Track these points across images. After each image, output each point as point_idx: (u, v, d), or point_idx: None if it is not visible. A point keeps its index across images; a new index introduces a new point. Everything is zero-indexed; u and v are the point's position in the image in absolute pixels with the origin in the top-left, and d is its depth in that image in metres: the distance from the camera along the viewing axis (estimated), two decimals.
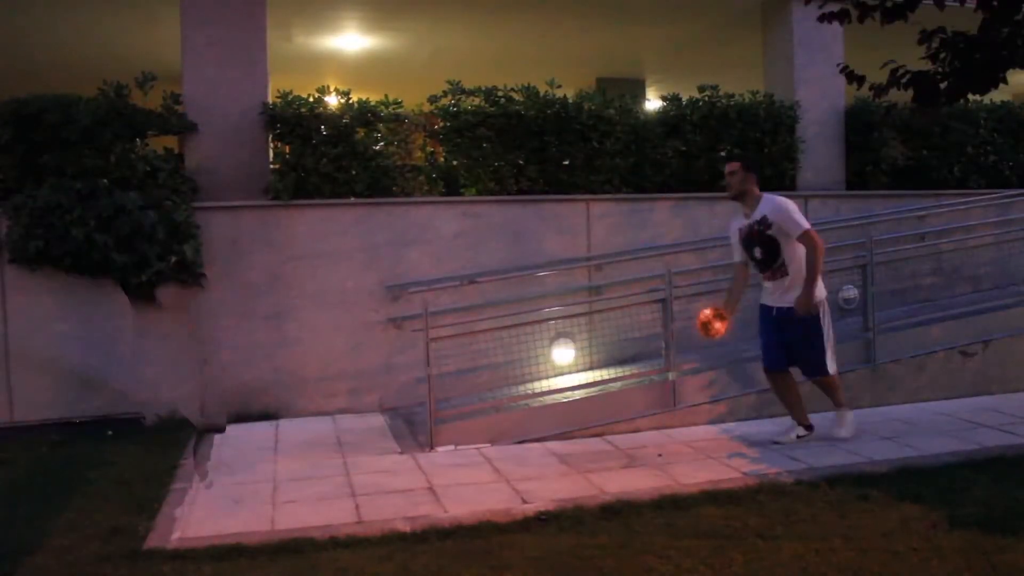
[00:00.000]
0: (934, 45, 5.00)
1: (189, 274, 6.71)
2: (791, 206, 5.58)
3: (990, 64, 4.91)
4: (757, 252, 5.66)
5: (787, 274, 5.58)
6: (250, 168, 7.29)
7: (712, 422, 6.46)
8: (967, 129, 9.05)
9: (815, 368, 5.72)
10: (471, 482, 5.14)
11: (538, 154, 7.70)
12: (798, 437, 5.80)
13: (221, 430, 6.62)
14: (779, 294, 5.65)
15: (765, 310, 5.79)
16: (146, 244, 6.44)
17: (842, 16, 5.14)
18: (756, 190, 5.70)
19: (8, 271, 6.58)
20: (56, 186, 6.46)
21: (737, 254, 5.86)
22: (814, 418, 5.90)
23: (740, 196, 5.71)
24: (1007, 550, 3.81)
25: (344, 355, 7.17)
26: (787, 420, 5.98)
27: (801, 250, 5.52)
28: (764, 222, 5.56)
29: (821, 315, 5.62)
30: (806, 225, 5.52)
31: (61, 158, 6.56)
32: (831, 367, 5.72)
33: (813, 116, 8.82)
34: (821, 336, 5.62)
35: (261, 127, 7.29)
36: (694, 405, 6.62)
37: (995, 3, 4.86)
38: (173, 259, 6.57)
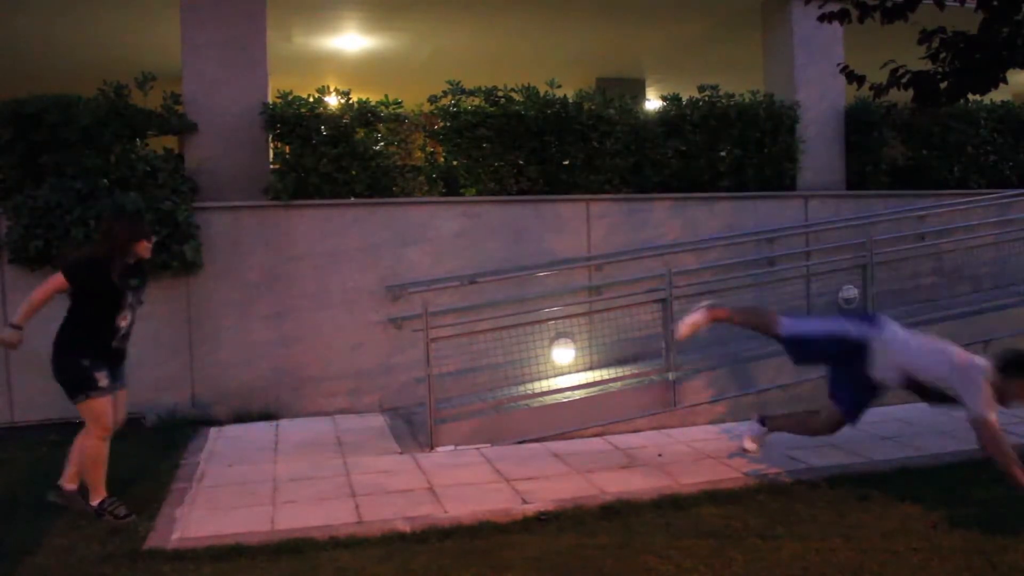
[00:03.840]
0: (934, 45, 5.01)
1: (187, 272, 6.74)
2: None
3: (990, 64, 4.92)
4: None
5: None
6: (250, 168, 7.29)
7: (712, 422, 6.46)
8: (967, 129, 9.05)
9: None
10: (471, 482, 5.14)
11: (538, 154, 7.70)
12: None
13: (218, 423, 6.68)
14: None
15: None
16: None
17: (842, 16, 5.16)
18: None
19: (8, 271, 6.59)
20: (56, 186, 6.47)
21: None
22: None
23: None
24: (1007, 550, 3.82)
25: (344, 355, 7.17)
26: None
27: None
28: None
29: None
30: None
31: (61, 158, 6.56)
32: None
33: (813, 116, 8.82)
34: None
35: (261, 127, 7.29)
36: (694, 405, 6.60)
37: (995, 3, 4.87)
38: (175, 263, 6.59)
